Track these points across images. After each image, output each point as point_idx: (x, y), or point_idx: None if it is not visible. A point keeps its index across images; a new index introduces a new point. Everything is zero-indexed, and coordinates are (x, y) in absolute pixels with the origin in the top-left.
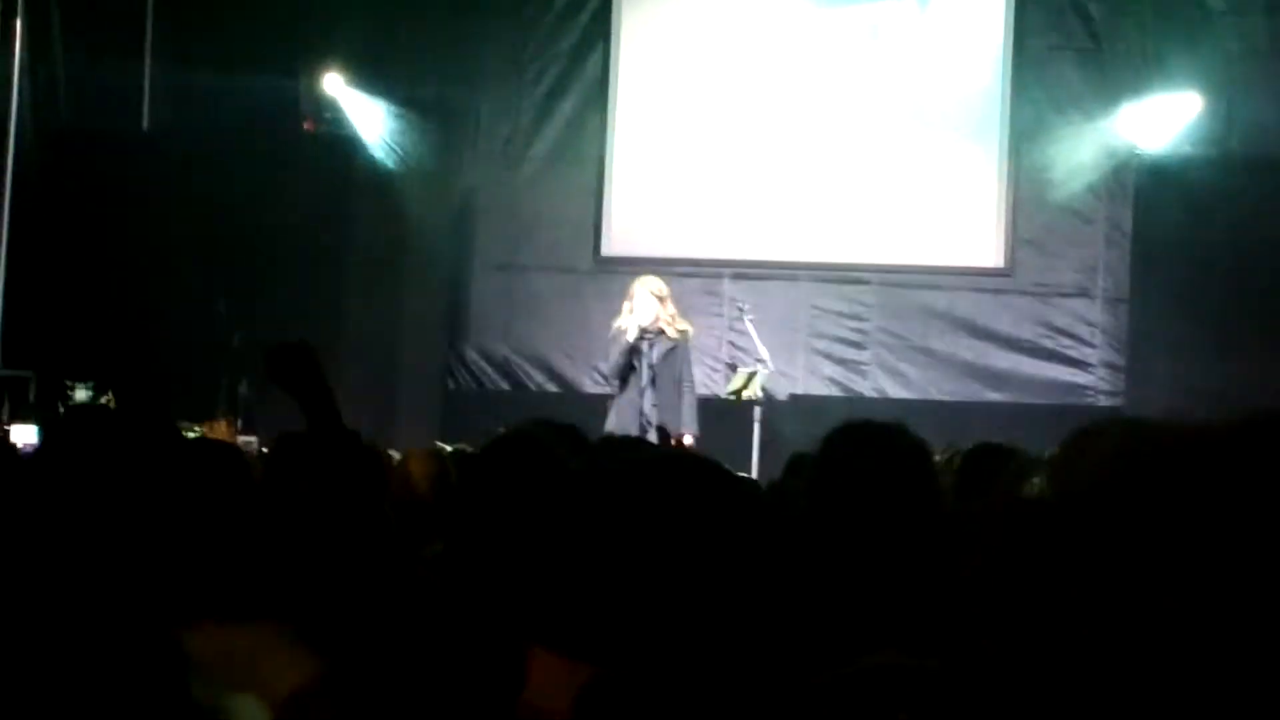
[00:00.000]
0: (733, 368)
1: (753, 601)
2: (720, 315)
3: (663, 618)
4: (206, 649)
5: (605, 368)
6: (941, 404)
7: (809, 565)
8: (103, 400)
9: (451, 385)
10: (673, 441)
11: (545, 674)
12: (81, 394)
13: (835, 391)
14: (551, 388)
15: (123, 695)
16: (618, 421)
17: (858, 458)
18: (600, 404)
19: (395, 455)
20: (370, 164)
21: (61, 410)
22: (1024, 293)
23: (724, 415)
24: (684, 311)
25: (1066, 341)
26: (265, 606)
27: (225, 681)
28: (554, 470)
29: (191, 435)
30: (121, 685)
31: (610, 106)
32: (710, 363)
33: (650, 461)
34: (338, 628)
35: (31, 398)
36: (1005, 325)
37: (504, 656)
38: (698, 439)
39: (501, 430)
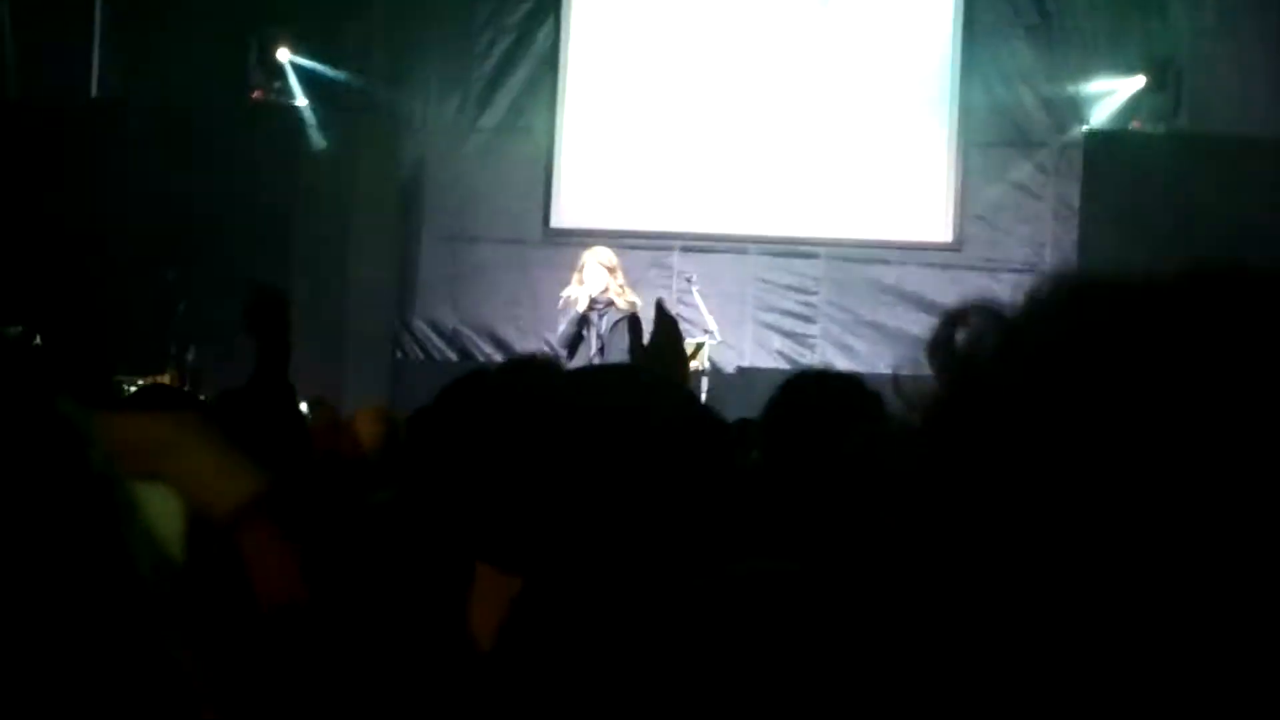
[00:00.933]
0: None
1: (681, 516)
2: (669, 288)
3: (585, 527)
4: (116, 434)
5: (554, 339)
6: (889, 378)
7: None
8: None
9: (399, 356)
10: None
11: (486, 589)
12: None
13: (782, 365)
14: (500, 358)
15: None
16: None
17: (818, 396)
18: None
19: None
20: (319, 134)
21: None
22: (972, 268)
23: None
24: (633, 284)
25: None
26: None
27: (134, 468)
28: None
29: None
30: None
31: (560, 78)
32: None
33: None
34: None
35: None
36: (954, 300)
37: (449, 575)
38: None
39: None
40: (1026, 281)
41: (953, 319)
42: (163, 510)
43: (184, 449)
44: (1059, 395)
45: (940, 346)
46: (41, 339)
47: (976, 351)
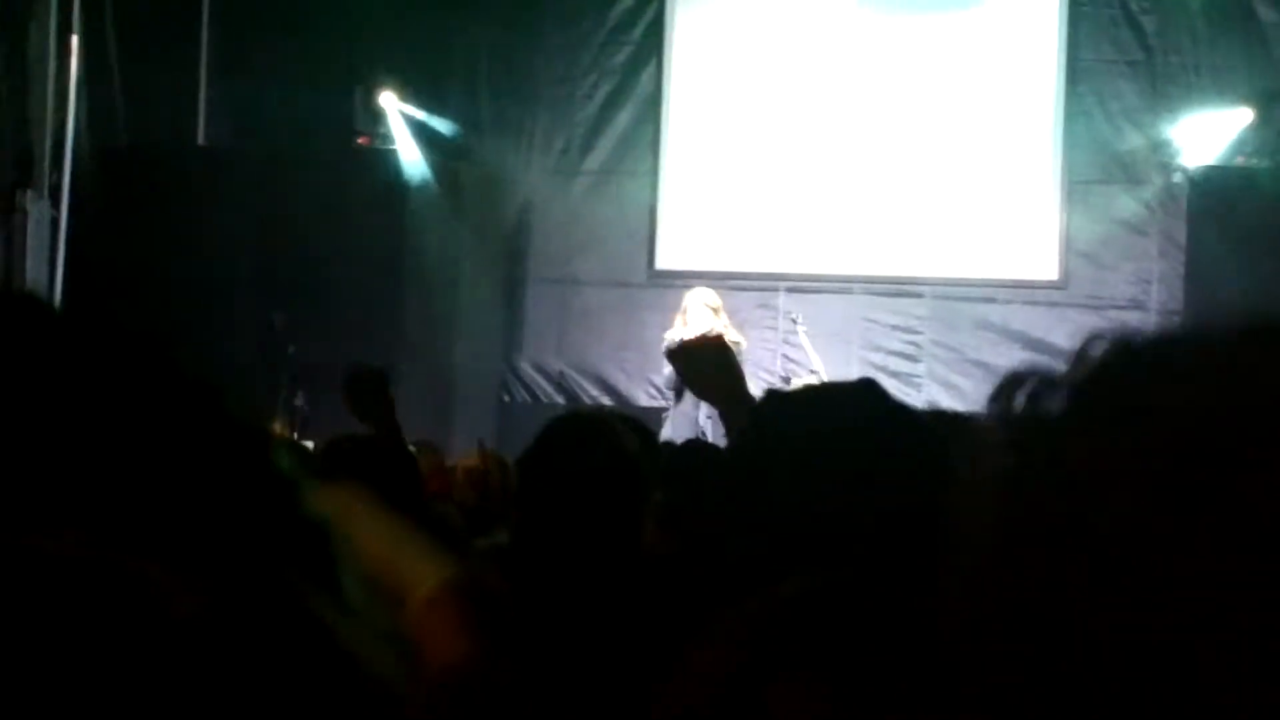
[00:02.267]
0: (786, 380)
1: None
2: (774, 328)
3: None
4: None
5: (660, 380)
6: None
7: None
8: None
9: (506, 398)
10: None
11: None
12: None
13: None
14: (606, 401)
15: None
16: (673, 433)
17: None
18: (655, 417)
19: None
20: (424, 178)
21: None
22: (1078, 305)
23: None
24: (738, 324)
25: None
26: None
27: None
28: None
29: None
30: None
31: (663, 120)
32: (765, 375)
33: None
34: None
35: None
36: (1059, 338)
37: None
38: None
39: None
40: (1133, 318)
41: (1013, 381)
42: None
43: (361, 519)
44: (1120, 459)
45: (1000, 407)
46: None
47: (1036, 413)
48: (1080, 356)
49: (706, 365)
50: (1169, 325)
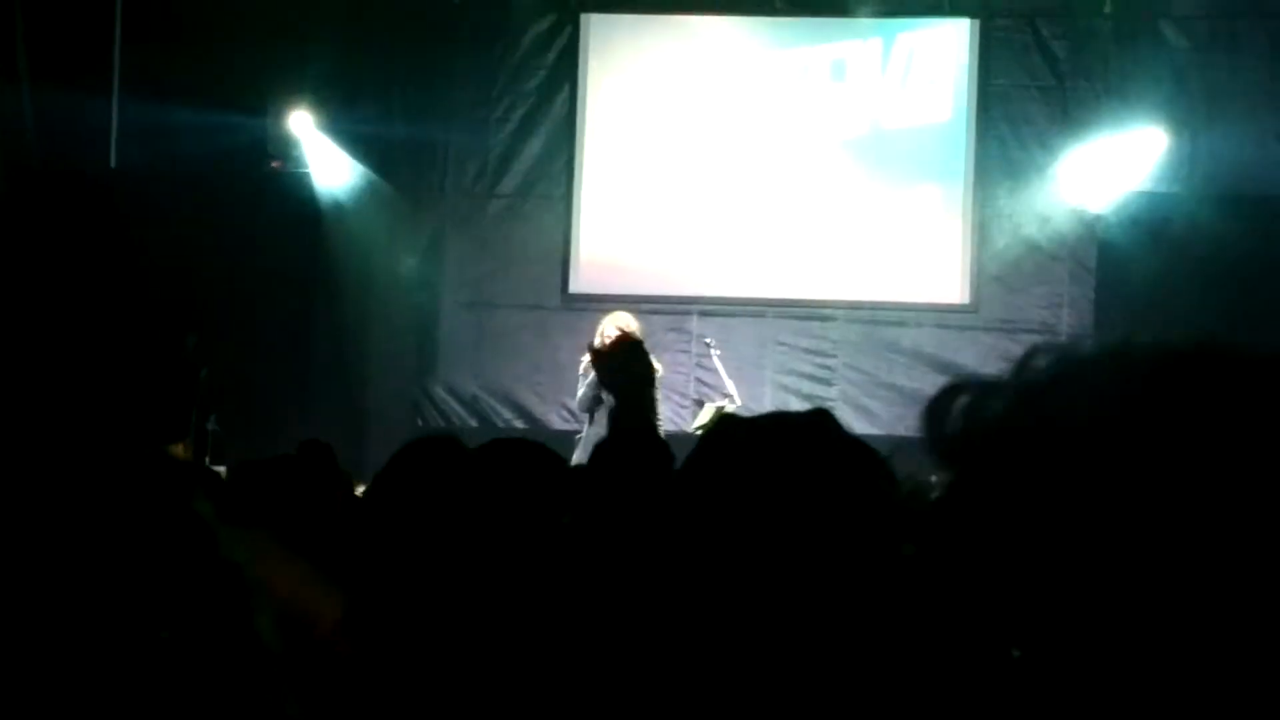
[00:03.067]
0: (700, 404)
1: None
2: (688, 352)
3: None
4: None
5: (574, 403)
6: (908, 440)
7: None
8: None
9: (420, 423)
10: None
11: None
12: None
13: None
14: (519, 424)
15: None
16: (584, 456)
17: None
18: (568, 440)
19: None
20: (338, 202)
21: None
22: (989, 329)
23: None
24: (652, 348)
25: None
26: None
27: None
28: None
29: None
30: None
31: (578, 144)
32: (678, 399)
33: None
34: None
35: None
36: (971, 361)
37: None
38: None
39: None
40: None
41: (953, 390)
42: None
43: (273, 559)
44: (1077, 459)
45: (938, 416)
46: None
47: (978, 420)
48: (1023, 366)
49: (619, 359)
50: (1105, 343)
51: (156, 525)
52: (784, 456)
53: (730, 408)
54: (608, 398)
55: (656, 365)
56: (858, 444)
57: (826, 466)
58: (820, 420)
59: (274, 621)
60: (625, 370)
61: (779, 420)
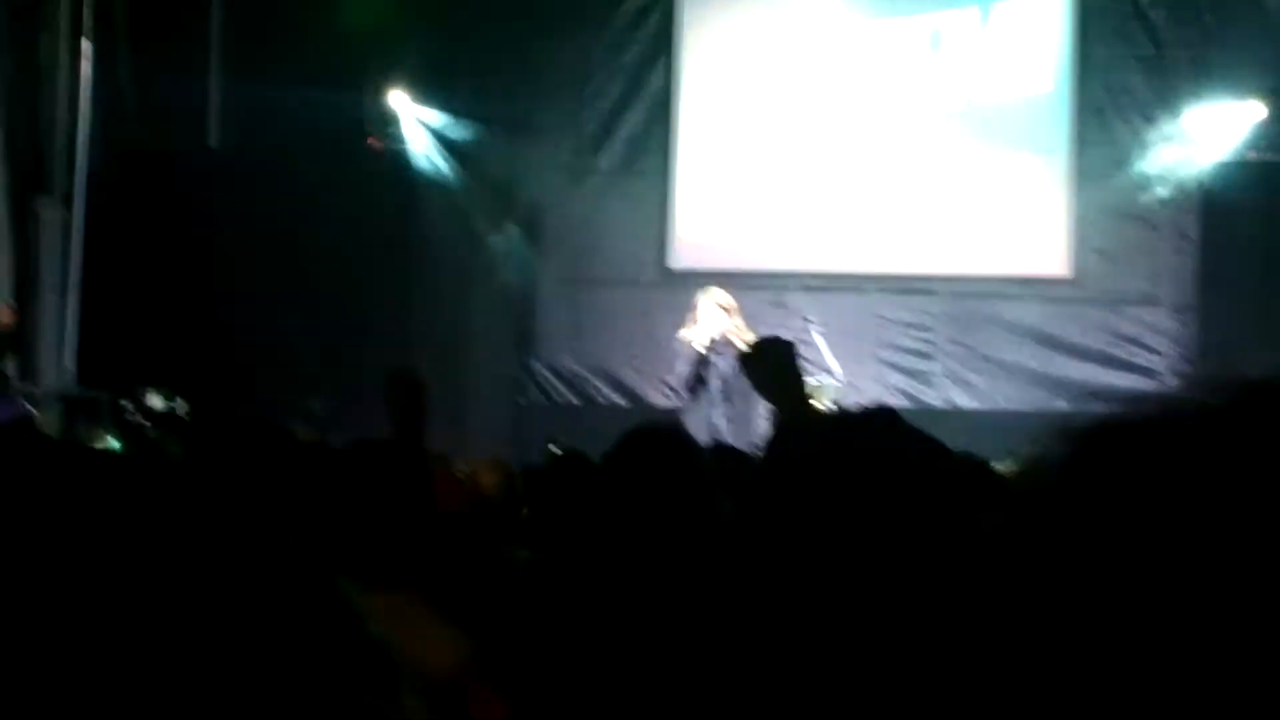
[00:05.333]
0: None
1: None
2: (787, 327)
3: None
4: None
5: (673, 380)
6: (1009, 414)
7: None
8: (176, 407)
9: (521, 400)
10: None
11: None
12: (156, 401)
13: (903, 402)
14: (620, 401)
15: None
16: (702, 437)
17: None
18: (669, 417)
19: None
20: (436, 179)
21: (136, 419)
22: (1091, 301)
23: None
24: (751, 324)
25: (1134, 350)
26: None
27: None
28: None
29: None
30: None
31: (674, 119)
32: None
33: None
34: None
35: (106, 416)
36: (1072, 334)
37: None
38: None
39: (553, 447)
40: (1146, 314)
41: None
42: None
43: (407, 617)
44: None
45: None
46: (185, 403)
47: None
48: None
49: (770, 366)
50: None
51: (303, 612)
52: (851, 458)
53: (831, 383)
54: (710, 375)
55: (753, 339)
56: (921, 438)
57: (894, 465)
58: (886, 416)
59: (422, 698)
60: (777, 375)
61: (843, 422)
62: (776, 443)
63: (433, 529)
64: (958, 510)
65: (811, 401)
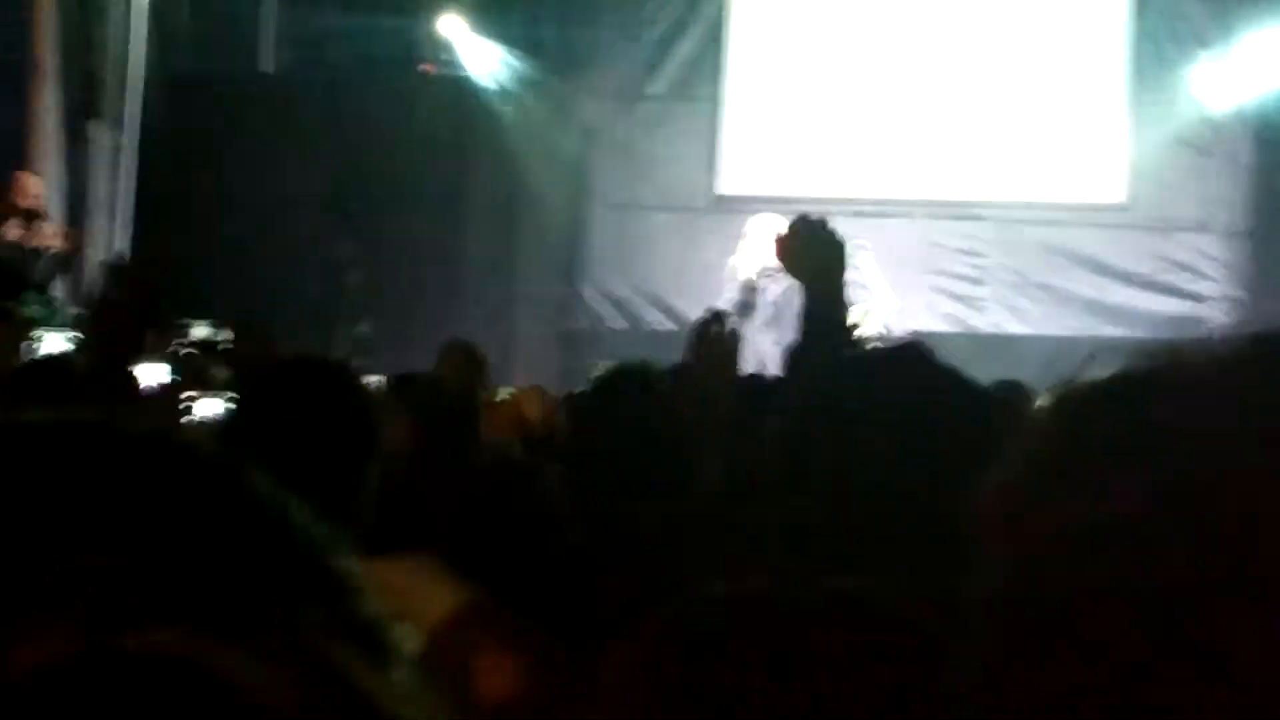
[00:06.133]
0: (851, 305)
1: None
2: None
3: None
4: (368, 580)
5: (723, 306)
6: (1060, 339)
7: None
8: (220, 337)
9: (570, 324)
10: None
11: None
12: (200, 331)
13: (954, 328)
14: (669, 326)
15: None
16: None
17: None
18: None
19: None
20: (488, 105)
21: (181, 349)
22: (1143, 227)
23: None
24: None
25: (1186, 276)
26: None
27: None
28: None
29: None
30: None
31: (725, 45)
32: None
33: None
34: (480, 558)
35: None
36: (1124, 260)
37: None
38: None
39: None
40: (1198, 240)
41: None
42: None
43: (422, 590)
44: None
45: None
46: (232, 332)
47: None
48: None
49: (804, 243)
50: None
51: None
52: (877, 393)
53: (882, 308)
54: (760, 301)
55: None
56: (950, 374)
57: (924, 399)
58: (914, 351)
59: (415, 668)
60: (810, 254)
61: (871, 358)
62: (801, 356)
63: (460, 484)
64: (980, 451)
65: (849, 300)
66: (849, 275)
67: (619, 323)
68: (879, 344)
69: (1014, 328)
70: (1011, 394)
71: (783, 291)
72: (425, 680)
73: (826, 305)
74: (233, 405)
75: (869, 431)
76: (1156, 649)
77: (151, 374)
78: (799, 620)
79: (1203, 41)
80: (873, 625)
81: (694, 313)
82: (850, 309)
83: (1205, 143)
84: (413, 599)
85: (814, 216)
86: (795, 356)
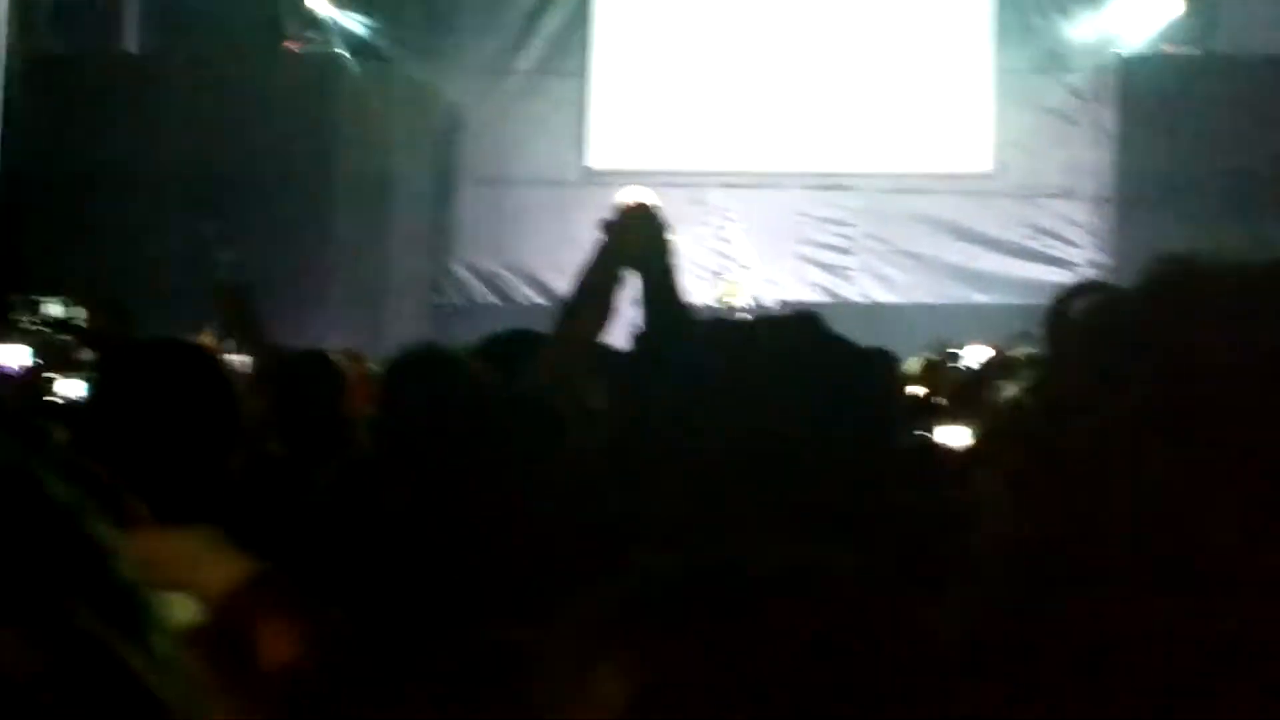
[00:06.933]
0: (719, 276)
1: None
2: (707, 225)
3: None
4: (145, 551)
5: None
6: (928, 307)
7: None
8: (74, 317)
9: (439, 300)
10: None
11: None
12: (54, 309)
13: (823, 298)
14: (540, 301)
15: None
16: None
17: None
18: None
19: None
20: (353, 82)
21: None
22: (1009, 195)
23: None
24: (672, 222)
25: (1052, 242)
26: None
27: (162, 582)
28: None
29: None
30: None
31: (591, 19)
32: (698, 272)
33: None
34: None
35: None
36: (991, 228)
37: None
38: None
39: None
40: (1065, 207)
41: (1072, 293)
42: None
43: (204, 561)
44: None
45: (1057, 318)
46: (87, 312)
47: (1094, 326)
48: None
49: (631, 232)
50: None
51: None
52: (769, 355)
53: (750, 279)
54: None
55: (673, 236)
56: (844, 343)
57: (814, 371)
58: (807, 320)
59: (179, 636)
60: (638, 240)
61: (763, 321)
62: (651, 340)
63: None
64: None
65: (678, 281)
66: (719, 246)
67: (489, 298)
68: (754, 314)
69: (882, 296)
70: (879, 361)
71: None
72: (188, 647)
73: (664, 288)
74: (92, 386)
75: (751, 398)
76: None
77: (12, 355)
78: (763, 593)
79: (1066, 11)
80: (835, 599)
81: (565, 287)
82: (683, 290)
83: (1070, 111)
84: (196, 569)
85: (635, 200)
86: (644, 340)
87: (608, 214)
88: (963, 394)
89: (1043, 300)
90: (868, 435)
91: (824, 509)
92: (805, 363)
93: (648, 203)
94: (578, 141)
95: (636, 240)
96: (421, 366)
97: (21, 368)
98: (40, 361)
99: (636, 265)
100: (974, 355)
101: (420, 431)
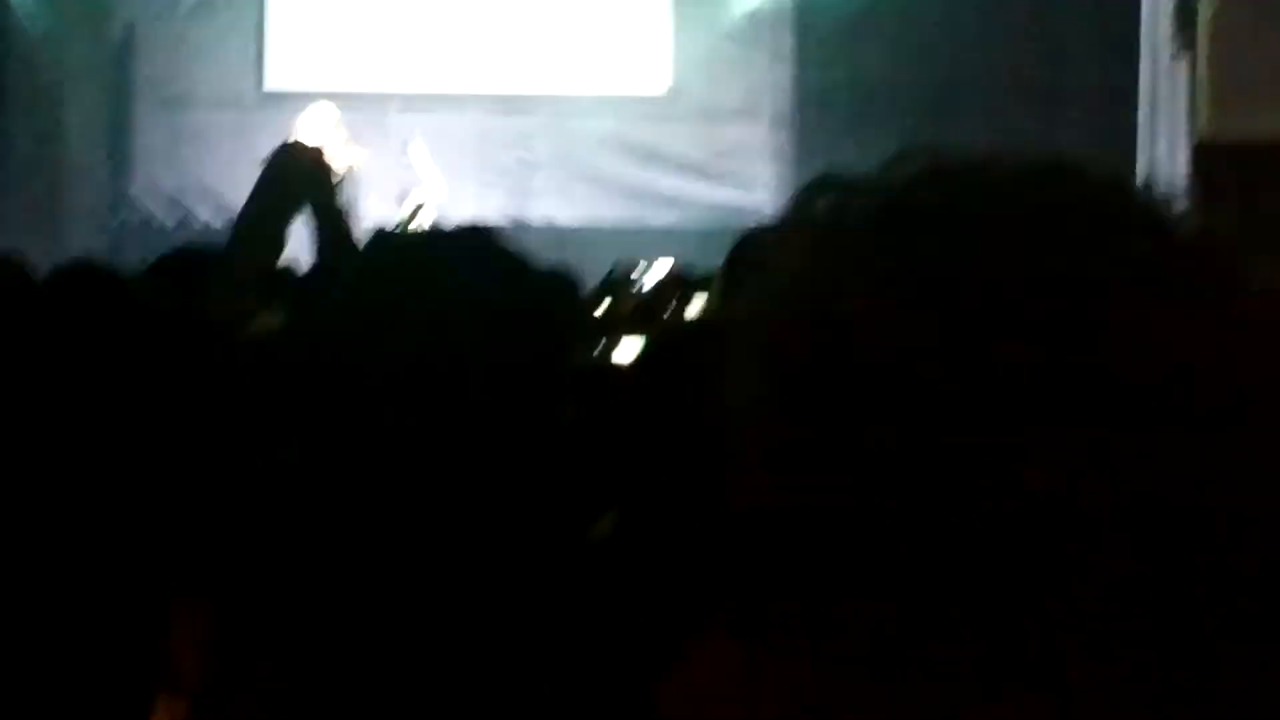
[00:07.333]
0: (401, 199)
1: None
2: (388, 146)
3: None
4: None
5: None
6: (611, 229)
7: None
8: None
9: (117, 222)
10: None
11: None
12: None
13: (507, 220)
14: (220, 224)
15: None
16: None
17: None
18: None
19: None
20: (21, 4)
21: None
22: (690, 116)
23: None
24: (352, 144)
25: (734, 163)
26: None
27: None
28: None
29: None
30: None
31: None
32: (379, 195)
33: None
34: None
35: None
36: (673, 149)
37: None
38: None
39: None
40: (745, 128)
41: (813, 188)
42: None
43: None
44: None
45: (801, 215)
46: None
47: (846, 221)
48: (889, 169)
49: (289, 168)
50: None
51: None
52: (439, 282)
53: (432, 202)
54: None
55: (357, 156)
56: (515, 259)
57: (485, 285)
58: (480, 234)
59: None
60: (296, 173)
61: (435, 240)
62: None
63: None
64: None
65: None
66: (402, 169)
67: (167, 220)
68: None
69: (565, 219)
70: (561, 281)
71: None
72: None
73: (331, 215)
74: None
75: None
76: None
77: None
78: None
79: None
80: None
81: None
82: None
83: (749, 32)
84: None
85: (288, 142)
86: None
87: (285, 136)
88: (642, 312)
89: (726, 222)
90: (543, 353)
91: (496, 428)
92: (476, 277)
93: (318, 125)
94: (257, 63)
95: (295, 173)
96: (74, 283)
97: None
98: None
99: (301, 196)
100: (655, 274)
101: (69, 349)
